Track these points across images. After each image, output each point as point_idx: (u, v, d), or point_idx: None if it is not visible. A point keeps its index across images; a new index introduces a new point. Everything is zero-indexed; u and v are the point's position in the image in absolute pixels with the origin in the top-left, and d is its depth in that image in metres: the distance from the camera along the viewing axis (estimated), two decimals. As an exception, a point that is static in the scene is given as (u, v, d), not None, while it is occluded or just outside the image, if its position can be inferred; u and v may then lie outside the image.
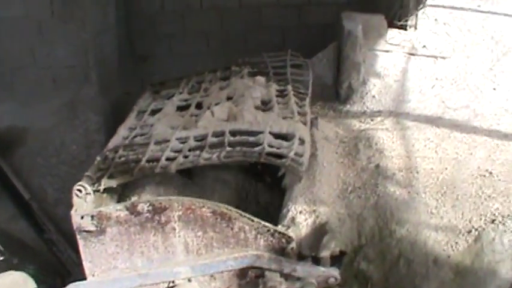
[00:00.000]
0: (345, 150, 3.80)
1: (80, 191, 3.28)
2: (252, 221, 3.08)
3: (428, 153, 3.63)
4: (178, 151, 3.43)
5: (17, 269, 4.38)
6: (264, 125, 3.48)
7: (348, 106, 4.41)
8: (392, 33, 4.83)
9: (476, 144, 3.70)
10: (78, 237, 3.26)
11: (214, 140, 3.43)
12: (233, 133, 3.47)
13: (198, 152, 3.36)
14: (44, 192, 5.18)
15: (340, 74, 4.47)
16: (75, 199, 3.29)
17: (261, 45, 5.70)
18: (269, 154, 3.25)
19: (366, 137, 3.89)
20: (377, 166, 3.54)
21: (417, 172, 3.45)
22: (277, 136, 3.45)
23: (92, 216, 3.18)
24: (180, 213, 3.11)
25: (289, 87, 4.06)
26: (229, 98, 4.01)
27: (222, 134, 3.46)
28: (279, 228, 3.10)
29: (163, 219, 3.14)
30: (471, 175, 3.38)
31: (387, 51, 4.68)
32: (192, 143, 3.47)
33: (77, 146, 5.04)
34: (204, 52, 5.88)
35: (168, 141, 3.54)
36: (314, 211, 3.24)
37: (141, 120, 3.98)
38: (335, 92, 4.52)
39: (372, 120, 4.16)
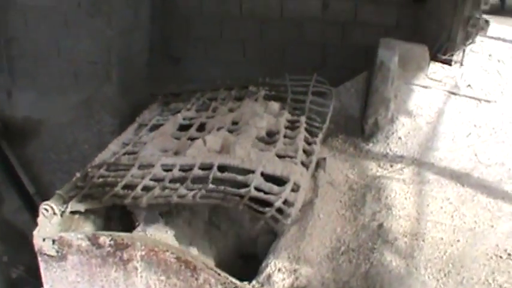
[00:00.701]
0: (350, 199, 3.38)
1: (46, 210, 3.04)
2: (219, 274, 2.74)
3: (443, 218, 3.17)
4: (160, 180, 3.12)
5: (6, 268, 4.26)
6: (257, 163, 3.12)
7: (371, 145, 3.96)
8: (435, 68, 4.33)
9: (502, 214, 3.19)
10: (39, 259, 3.04)
11: (200, 173, 3.11)
12: (222, 168, 3.13)
13: (177, 185, 3.04)
14: (53, 187, 4.98)
15: (367, 107, 4.03)
16: (40, 218, 3.06)
17: (300, 60, 5.36)
18: (254, 199, 2.89)
19: (377, 186, 3.46)
20: (380, 226, 3.12)
21: (423, 240, 3.00)
22: (270, 178, 3.09)
23: (54, 241, 2.94)
24: (143, 253, 2.83)
25: (303, 119, 3.67)
26: (234, 123, 3.67)
27: (209, 167, 3.13)
28: (248, 286, 2.74)
29: (125, 256, 2.87)
30: (485, 254, 2.90)
31: (426, 87, 4.19)
32: (176, 172, 3.16)
33: (89, 145, 4.85)
34: (240, 61, 5.56)
35: (152, 166, 3.24)
36: (295, 271, 2.87)
37: (138, 136, 3.70)
38: (361, 126, 4.07)
39: (391, 166, 3.71)
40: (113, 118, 4.79)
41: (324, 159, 3.47)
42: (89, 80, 4.96)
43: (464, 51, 4.28)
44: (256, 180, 3.02)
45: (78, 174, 3.33)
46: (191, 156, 3.24)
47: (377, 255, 2.90)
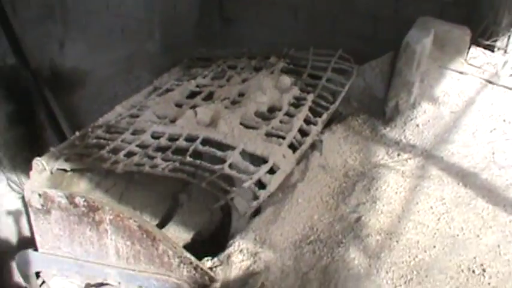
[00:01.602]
0: (340, 186, 3.27)
1: (37, 165, 3.20)
2: (175, 248, 2.79)
3: (428, 219, 2.97)
4: (146, 147, 3.18)
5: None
6: (238, 140, 3.08)
7: (388, 129, 3.76)
8: (476, 53, 3.98)
9: (494, 224, 2.95)
10: (29, 209, 3.22)
11: (184, 144, 3.14)
12: (206, 141, 3.14)
13: (159, 154, 3.09)
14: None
15: (389, 90, 3.81)
16: (31, 172, 3.23)
17: (350, 30, 5.15)
18: (223, 177, 2.89)
19: (373, 176, 3.30)
20: (358, 219, 2.99)
21: (397, 241, 2.84)
22: (251, 156, 3.06)
23: (39, 195, 3.10)
24: (111, 217, 2.92)
25: (310, 97, 3.56)
26: (240, 95, 3.64)
27: (194, 139, 3.14)
28: (201, 264, 2.76)
29: (97, 218, 2.98)
30: (458, 266, 2.71)
31: (461, 72, 3.88)
32: (163, 141, 3.21)
33: (127, 100, 4.97)
34: (291, 26, 5.43)
35: (144, 132, 3.30)
36: (256, 254, 2.84)
37: (147, 99, 3.77)
38: (383, 108, 3.87)
39: (398, 155, 3.52)
40: (152, 75, 4.85)
41: (321, 141, 3.34)
42: (135, 36, 5.05)
43: (509, 37, 3.89)
44: (233, 157, 2.99)
45: (77, 133, 3.44)
46: (180, 126, 3.26)
47: (341, 250, 2.79)
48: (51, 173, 3.19)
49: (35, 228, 3.27)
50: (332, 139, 3.59)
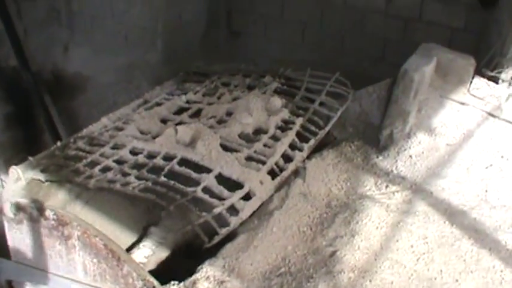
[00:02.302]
0: (320, 217, 3.15)
1: (13, 174, 3.15)
2: (139, 270, 2.71)
3: (406, 259, 2.84)
4: (122, 163, 3.11)
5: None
6: (216, 163, 2.99)
7: (380, 158, 3.63)
8: (479, 83, 3.83)
9: (477, 268, 2.80)
10: (3, 218, 3.18)
11: (161, 162, 3.06)
12: (184, 161, 3.05)
13: (134, 171, 3.01)
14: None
15: (384, 117, 3.68)
16: (8, 180, 3.19)
17: (358, 51, 5.03)
18: (195, 200, 2.80)
19: (356, 208, 3.18)
20: (332, 253, 2.87)
21: (370, 281, 2.72)
22: (228, 181, 2.97)
23: (12, 204, 3.05)
24: (79, 233, 2.85)
25: (298, 121, 3.45)
26: (228, 114, 3.55)
27: (171, 158, 3.06)
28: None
29: (66, 232, 2.91)
30: (428, 315, 2.57)
31: (463, 103, 3.74)
32: (141, 158, 3.14)
33: (126, 109, 4.93)
34: (298, 43, 5.34)
35: (124, 147, 3.23)
36: (222, 283, 2.73)
37: (134, 111, 3.70)
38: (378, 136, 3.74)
39: (386, 186, 3.39)
40: (151, 86, 4.80)
41: (304, 167, 3.23)
42: (138, 44, 5.02)
43: (515, 69, 3.74)
44: (208, 180, 2.91)
45: (58, 143, 3.39)
46: (159, 144, 3.19)
47: (310, 286, 2.67)
48: (27, 182, 3.12)
49: (8, 237, 3.22)
50: (319, 166, 3.47)
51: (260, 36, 5.48)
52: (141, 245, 3.23)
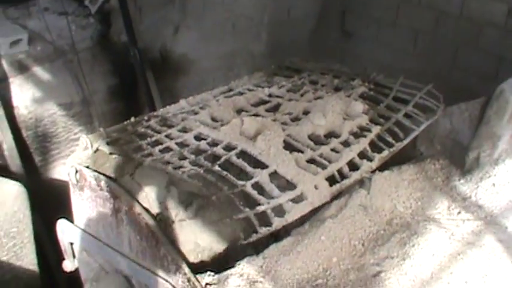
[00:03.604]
0: (377, 233, 2.95)
1: (82, 142, 3.28)
2: (174, 254, 2.70)
3: (456, 294, 2.58)
4: (184, 146, 3.12)
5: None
6: (272, 160, 2.91)
7: (461, 181, 3.32)
8: None
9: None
10: (69, 183, 3.32)
11: (220, 151, 3.03)
12: (242, 153, 3.00)
13: (192, 157, 3.01)
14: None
15: (474, 138, 3.38)
16: (76, 148, 3.32)
17: (471, 65, 4.68)
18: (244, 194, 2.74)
19: (418, 230, 2.93)
20: (377, 274, 2.68)
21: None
22: (280, 179, 2.88)
23: (76, 171, 3.18)
24: (127, 208, 2.90)
25: (376, 129, 3.27)
26: (305, 113, 3.44)
27: (230, 149, 3.03)
28: (194, 278, 2.65)
29: (116, 205, 2.98)
30: None
31: None
32: (203, 144, 3.12)
33: (225, 96, 4.97)
34: (409, 51, 5.06)
35: (190, 131, 3.24)
36: (254, 283, 2.66)
37: (214, 98, 3.70)
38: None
39: (459, 213, 3.10)
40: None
41: (369, 178, 3.04)
42: (244, 34, 5.02)
43: None
44: (261, 176, 2.83)
45: (132, 119, 3.47)
46: (223, 133, 3.15)
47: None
48: (95, 152, 3.22)
49: (72, 202, 3.35)
50: (392, 179, 3.25)
51: (371, 39, 5.27)
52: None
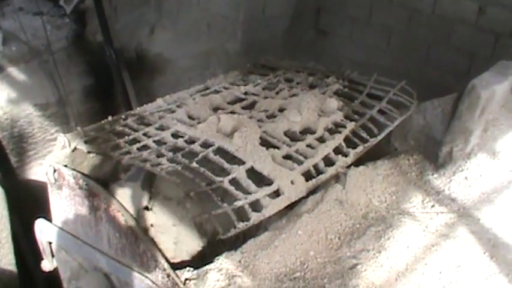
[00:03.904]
0: (353, 227, 3.01)
1: (60, 141, 3.28)
2: (153, 250, 2.73)
3: (431, 286, 2.64)
4: (161, 144, 3.15)
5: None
6: (249, 156, 2.94)
7: (435, 176, 3.40)
8: (560, 111, 3.49)
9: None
10: (47, 182, 3.32)
11: (197, 148, 3.05)
12: (219, 150, 3.03)
13: (169, 154, 3.03)
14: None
15: (446, 133, 3.45)
16: (55, 147, 3.32)
17: (444, 62, 4.77)
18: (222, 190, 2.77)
19: (392, 223, 3.00)
20: (353, 267, 2.74)
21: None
22: (257, 175, 2.91)
23: (54, 170, 3.18)
24: (105, 206, 2.91)
25: (350, 125, 3.32)
26: (280, 110, 3.48)
27: (208, 146, 3.05)
28: (173, 274, 2.67)
29: (95, 203, 2.98)
30: None
31: (536, 130, 3.43)
32: (180, 142, 3.15)
33: (201, 95, 4.99)
34: (383, 48, 5.14)
35: (168, 129, 3.26)
36: (233, 277, 2.69)
37: (191, 96, 3.72)
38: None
39: (432, 206, 3.18)
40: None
41: (345, 174, 3.09)
42: (219, 33, 5.04)
43: None
44: (238, 172, 2.86)
45: (110, 118, 3.48)
46: (200, 131, 3.18)
47: (319, 296, 2.56)
48: (73, 151, 3.22)
49: (50, 201, 3.35)
50: (367, 174, 3.31)
51: (346, 38, 5.34)
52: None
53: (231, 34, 4.97)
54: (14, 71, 4.71)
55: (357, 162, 3.31)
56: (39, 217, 3.47)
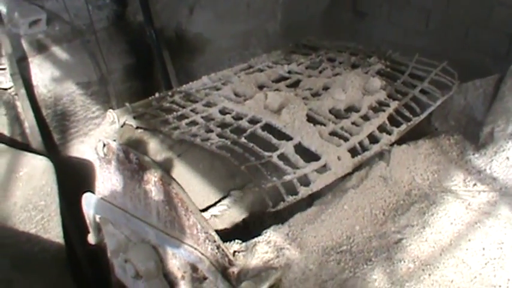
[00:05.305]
0: (396, 203, 3.07)
1: (109, 117, 3.37)
2: (204, 222, 2.81)
3: (474, 260, 2.67)
4: (210, 120, 3.22)
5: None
6: (296, 132, 3.01)
7: (476, 156, 3.42)
8: None
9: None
10: (96, 156, 3.42)
11: (245, 124, 3.13)
12: (267, 126, 3.10)
13: (218, 129, 3.11)
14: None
15: (488, 113, 3.48)
16: (103, 122, 3.42)
17: (482, 45, 4.74)
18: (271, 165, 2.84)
19: (435, 200, 3.05)
20: (398, 241, 2.80)
21: (429, 274, 2.62)
22: (305, 150, 2.98)
23: (104, 144, 3.27)
24: (156, 179, 2.99)
25: (394, 104, 3.37)
26: (324, 88, 3.54)
27: (255, 122, 3.13)
28: (224, 246, 2.76)
29: (145, 177, 3.07)
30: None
31: None
32: (228, 118, 3.22)
33: (241, 75, 5.04)
34: (421, 30, 5.13)
35: (215, 105, 3.34)
36: (281, 249, 2.77)
37: (236, 74, 3.79)
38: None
39: (474, 184, 3.21)
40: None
41: (389, 151, 3.15)
42: (259, 13, 5.08)
43: None
44: (286, 148, 2.93)
45: (157, 94, 3.56)
46: (248, 107, 3.25)
47: (366, 268, 2.63)
48: (122, 126, 3.32)
49: (98, 175, 3.45)
50: (410, 153, 3.36)
51: (384, 19, 5.34)
52: (218, 204, 3.32)
53: (270, 14, 5.01)
54: (57, 50, 4.79)
55: (399, 141, 3.35)
56: (86, 191, 3.56)
